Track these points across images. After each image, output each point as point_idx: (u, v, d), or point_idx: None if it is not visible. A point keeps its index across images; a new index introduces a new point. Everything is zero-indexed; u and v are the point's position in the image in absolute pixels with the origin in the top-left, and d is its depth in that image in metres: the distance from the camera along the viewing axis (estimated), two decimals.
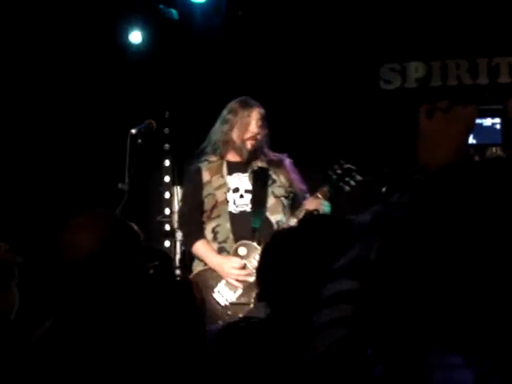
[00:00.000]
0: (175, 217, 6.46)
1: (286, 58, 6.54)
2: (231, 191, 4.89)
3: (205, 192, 4.90)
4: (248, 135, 4.89)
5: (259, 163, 4.93)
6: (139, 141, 4.73)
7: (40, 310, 2.64)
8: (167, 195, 6.65)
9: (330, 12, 6.41)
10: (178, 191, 6.44)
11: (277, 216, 4.83)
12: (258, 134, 4.90)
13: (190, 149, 6.80)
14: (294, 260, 2.55)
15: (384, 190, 4.45)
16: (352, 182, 4.81)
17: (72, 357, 2.04)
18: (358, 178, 4.80)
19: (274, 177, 4.92)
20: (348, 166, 4.82)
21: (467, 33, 6.22)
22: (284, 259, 2.58)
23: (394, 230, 1.63)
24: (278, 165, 4.98)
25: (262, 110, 4.95)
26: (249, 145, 4.90)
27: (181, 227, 5.32)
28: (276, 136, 6.51)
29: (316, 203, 4.70)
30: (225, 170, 4.94)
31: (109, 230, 2.19)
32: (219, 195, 4.87)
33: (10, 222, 5.73)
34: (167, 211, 6.62)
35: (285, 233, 2.85)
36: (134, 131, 4.75)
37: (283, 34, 6.52)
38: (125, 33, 6.52)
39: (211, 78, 6.70)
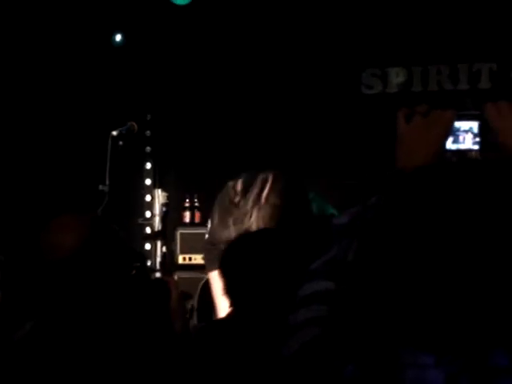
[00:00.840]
0: (156, 219, 6.48)
1: (267, 62, 6.54)
2: None
3: None
4: None
5: None
6: (120, 143, 4.72)
7: (23, 310, 2.64)
8: (148, 198, 6.65)
9: (311, 17, 6.42)
10: (158, 194, 6.45)
11: None
12: None
13: (170, 152, 6.86)
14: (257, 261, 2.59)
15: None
16: None
17: (55, 356, 2.06)
18: None
19: None
20: None
21: (448, 38, 6.25)
22: (248, 259, 2.63)
23: (369, 231, 1.64)
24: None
25: None
26: None
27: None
28: (258, 143, 6.58)
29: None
30: None
31: (90, 230, 2.22)
32: None
33: None
34: (148, 214, 6.63)
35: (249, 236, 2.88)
36: (115, 133, 4.74)
37: (265, 39, 6.53)
38: (107, 34, 6.50)
39: (193, 81, 6.71)
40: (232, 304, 2.66)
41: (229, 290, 2.68)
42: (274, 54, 6.55)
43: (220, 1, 6.43)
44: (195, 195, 6.52)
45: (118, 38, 6.54)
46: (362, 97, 6.58)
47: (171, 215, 6.18)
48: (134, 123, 4.90)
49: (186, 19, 6.48)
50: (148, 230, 6.49)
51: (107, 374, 2.08)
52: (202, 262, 5.92)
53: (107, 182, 4.76)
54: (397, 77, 6.58)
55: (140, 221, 6.54)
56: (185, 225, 6.43)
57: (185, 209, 6.49)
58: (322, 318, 1.60)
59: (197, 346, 2.51)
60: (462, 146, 1.98)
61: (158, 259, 5.99)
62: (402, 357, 1.43)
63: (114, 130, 4.79)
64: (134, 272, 2.52)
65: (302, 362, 1.54)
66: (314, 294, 1.67)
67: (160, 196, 6.41)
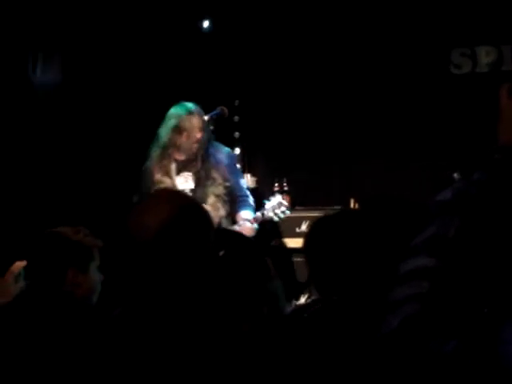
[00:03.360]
0: None
1: (355, 45, 6.53)
2: None
3: None
4: (193, 140, 5.01)
5: (201, 163, 5.09)
6: (211, 128, 4.78)
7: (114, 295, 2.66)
8: None
9: None
10: (248, 179, 6.49)
11: (218, 212, 5.06)
12: (201, 138, 5.03)
13: (259, 137, 6.89)
14: (346, 245, 2.54)
15: (455, 175, 4.59)
16: (281, 215, 5.23)
17: (144, 342, 2.05)
18: (287, 213, 5.28)
19: (215, 175, 5.08)
20: (281, 201, 5.24)
21: None
22: (335, 244, 2.57)
23: (473, 207, 1.63)
24: (218, 162, 5.14)
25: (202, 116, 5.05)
26: (194, 148, 5.02)
27: None
28: (346, 127, 6.57)
29: (247, 230, 5.00)
30: (173, 170, 5.03)
31: (177, 210, 2.18)
32: None
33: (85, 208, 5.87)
34: None
35: (330, 218, 2.81)
36: (206, 118, 4.80)
37: (351, 22, 6.51)
38: (197, 21, 6.56)
39: (281, 66, 6.73)
40: (322, 290, 2.61)
41: (318, 277, 2.63)
42: (362, 36, 6.52)
43: None
44: (284, 179, 6.53)
45: (206, 24, 6.59)
46: (452, 77, 6.49)
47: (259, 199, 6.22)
48: (225, 108, 4.94)
49: (275, 5, 6.50)
50: None
51: (195, 360, 2.04)
52: (292, 245, 5.98)
53: (199, 167, 4.84)
54: (486, 56, 6.46)
55: None
56: None
57: (274, 193, 6.51)
58: (423, 294, 1.59)
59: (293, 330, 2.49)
60: None
61: None
62: (504, 333, 1.42)
63: (205, 115, 4.85)
64: (222, 253, 2.52)
65: (402, 338, 1.54)
66: (415, 270, 1.66)
67: (249, 181, 6.45)
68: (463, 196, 1.70)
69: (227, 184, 5.10)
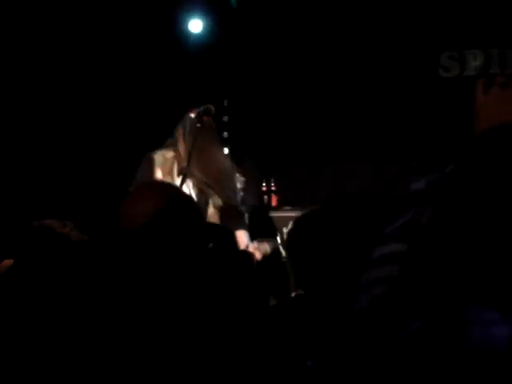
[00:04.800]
0: None
1: (342, 46, 6.56)
2: None
3: None
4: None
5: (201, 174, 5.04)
6: (198, 125, 4.77)
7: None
8: None
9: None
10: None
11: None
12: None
13: (247, 137, 6.91)
14: (326, 240, 2.57)
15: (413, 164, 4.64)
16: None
17: (132, 334, 2.06)
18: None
19: (215, 186, 5.08)
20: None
21: None
22: (316, 242, 2.60)
23: (445, 196, 1.66)
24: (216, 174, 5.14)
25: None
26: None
27: None
28: (333, 128, 6.59)
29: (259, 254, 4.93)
30: (175, 171, 5.02)
31: (165, 201, 2.19)
32: None
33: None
34: None
35: (312, 214, 2.85)
36: (193, 114, 4.80)
37: (341, 20, 6.54)
38: (184, 22, 6.58)
39: (269, 66, 6.75)
40: (301, 284, 2.65)
41: (299, 273, 2.66)
42: (349, 38, 6.55)
43: None
44: (272, 179, 6.56)
45: (197, 25, 6.60)
46: (440, 80, 6.53)
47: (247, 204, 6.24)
48: (211, 105, 4.92)
49: (265, 5, 6.52)
50: None
51: (184, 350, 2.05)
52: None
53: (185, 165, 4.83)
54: (474, 59, 6.50)
55: None
56: None
57: (262, 193, 6.54)
58: (393, 277, 1.63)
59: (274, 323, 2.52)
60: None
61: None
62: (468, 314, 1.45)
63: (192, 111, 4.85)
64: (211, 245, 2.53)
65: (370, 317, 1.57)
66: (387, 255, 1.70)
67: (238, 181, 6.46)
68: (436, 186, 1.73)
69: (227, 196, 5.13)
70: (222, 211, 5.06)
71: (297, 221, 2.81)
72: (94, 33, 6.48)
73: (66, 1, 6.31)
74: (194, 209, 2.29)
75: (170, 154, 5.02)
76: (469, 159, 1.62)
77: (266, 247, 5.04)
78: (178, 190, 2.63)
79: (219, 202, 5.06)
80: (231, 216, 5.09)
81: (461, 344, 1.44)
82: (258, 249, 4.94)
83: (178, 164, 5.01)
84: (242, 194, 5.77)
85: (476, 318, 1.45)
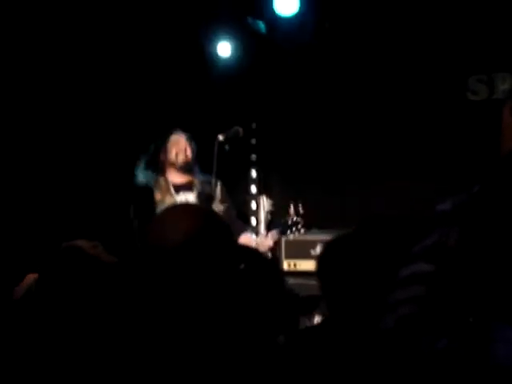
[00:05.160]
0: (261, 226, 6.54)
1: (370, 68, 6.57)
2: None
3: (158, 210, 5.08)
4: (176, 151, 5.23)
5: (199, 182, 5.26)
6: (226, 147, 4.80)
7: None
8: (254, 205, 6.72)
9: (417, 23, 6.41)
10: (264, 201, 6.51)
11: None
12: (186, 149, 5.25)
13: (275, 159, 6.93)
14: (357, 265, 2.57)
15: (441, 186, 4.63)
16: (296, 233, 5.39)
17: (165, 355, 2.06)
18: (302, 231, 5.43)
19: (213, 195, 5.25)
20: (297, 219, 5.42)
21: None
22: (347, 265, 2.61)
23: (471, 218, 1.66)
24: (212, 184, 5.29)
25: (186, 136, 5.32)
26: (180, 160, 5.22)
27: None
28: (362, 150, 6.60)
29: (247, 239, 5.24)
30: (172, 189, 5.14)
31: (198, 221, 2.19)
32: None
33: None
34: (253, 221, 6.68)
35: (342, 239, 2.86)
36: (221, 137, 4.84)
37: (370, 46, 6.55)
38: (213, 45, 6.63)
39: (298, 91, 6.78)
40: (331, 308, 2.66)
41: (328, 294, 2.67)
42: (378, 61, 6.56)
43: (322, 9, 6.47)
44: (299, 201, 6.55)
45: (225, 48, 6.64)
46: (468, 103, 6.51)
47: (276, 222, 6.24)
48: (240, 128, 4.96)
49: (291, 29, 6.55)
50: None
51: (214, 370, 2.05)
52: (306, 268, 5.99)
53: (213, 185, 4.87)
54: (503, 83, 6.48)
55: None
56: None
57: (290, 215, 6.52)
58: (419, 297, 1.64)
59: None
60: None
61: None
62: (494, 332, 1.45)
63: (221, 134, 4.89)
64: (242, 266, 2.53)
65: (396, 336, 1.58)
66: (413, 275, 1.70)
67: (265, 203, 6.46)
68: (462, 207, 1.73)
69: (226, 204, 5.17)
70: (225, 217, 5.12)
71: (327, 246, 2.84)
72: (124, 56, 6.54)
73: (103, 27, 6.35)
74: (226, 229, 2.28)
75: (159, 177, 5.19)
76: (494, 180, 1.62)
77: (274, 234, 5.31)
78: (210, 210, 2.64)
79: (220, 207, 5.12)
80: (232, 220, 5.19)
81: (486, 361, 1.45)
82: (268, 239, 5.26)
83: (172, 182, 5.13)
84: (269, 216, 5.78)
85: (501, 336, 1.45)
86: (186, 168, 5.24)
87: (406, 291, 1.67)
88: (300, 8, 6.32)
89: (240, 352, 2.13)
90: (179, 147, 5.30)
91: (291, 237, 5.37)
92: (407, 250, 1.84)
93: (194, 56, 6.64)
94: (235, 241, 2.37)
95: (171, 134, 5.38)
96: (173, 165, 5.27)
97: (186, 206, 2.40)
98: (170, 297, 2.14)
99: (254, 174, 6.79)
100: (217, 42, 6.65)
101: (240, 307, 2.31)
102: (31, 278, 3.10)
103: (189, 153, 5.32)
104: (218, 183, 5.27)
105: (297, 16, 6.44)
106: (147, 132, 6.57)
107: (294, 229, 5.38)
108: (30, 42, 6.13)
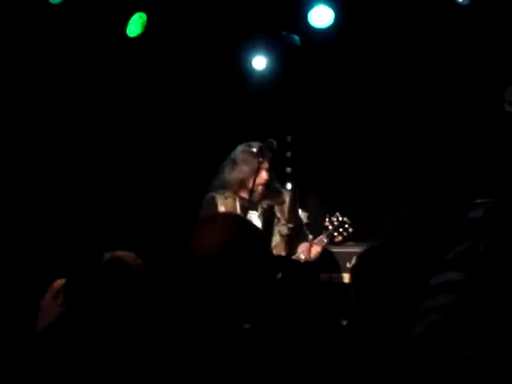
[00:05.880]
0: None
1: (405, 80, 6.55)
2: None
3: None
4: (259, 181, 5.09)
5: (267, 201, 5.17)
6: (260, 159, 4.82)
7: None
8: None
9: (453, 33, 6.39)
10: (300, 214, 6.51)
11: (281, 252, 5.12)
12: (268, 179, 5.12)
13: (311, 172, 6.93)
14: (389, 274, 2.59)
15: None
16: (345, 234, 5.32)
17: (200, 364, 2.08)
18: (351, 230, 5.32)
19: (279, 215, 5.17)
20: (343, 218, 5.34)
21: None
22: (379, 274, 2.62)
23: (502, 225, 1.65)
24: (281, 201, 5.24)
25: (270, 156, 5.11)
26: (259, 189, 5.10)
27: None
28: (397, 163, 6.57)
29: (308, 250, 5.17)
30: (238, 206, 5.06)
31: (234, 232, 2.23)
32: None
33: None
34: None
35: (373, 249, 2.88)
36: (255, 149, 4.86)
37: (405, 59, 6.53)
38: (248, 59, 6.65)
39: (334, 104, 6.78)
40: (366, 317, 2.67)
41: (363, 304, 2.69)
42: (412, 74, 6.54)
43: (357, 22, 6.47)
44: (336, 214, 6.53)
45: (260, 62, 6.65)
46: (505, 114, 6.46)
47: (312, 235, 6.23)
48: (273, 140, 4.97)
49: (325, 41, 6.56)
50: None
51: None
52: (344, 280, 5.97)
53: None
54: None
55: None
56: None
57: (326, 228, 6.51)
58: (449, 305, 1.63)
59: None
60: None
61: None
62: None
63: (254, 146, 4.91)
64: (279, 276, 2.55)
65: (425, 344, 1.57)
66: (444, 283, 1.70)
67: (301, 216, 6.46)
68: (493, 214, 1.72)
69: (290, 225, 5.15)
70: (289, 238, 5.10)
71: (360, 256, 2.88)
72: (161, 70, 6.59)
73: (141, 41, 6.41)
74: (262, 240, 2.32)
75: (228, 193, 5.10)
76: None
77: (323, 240, 5.26)
78: (246, 220, 2.66)
79: (285, 230, 5.10)
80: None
81: None
82: (317, 244, 5.20)
83: (240, 199, 5.07)
84: (305, 229, 5.77)
85: None
86: (261, 195, 5.24)
87: (436, 299, 1.67)
88: (335, 20, 6.33)
89: (271, 356, 2.15)
90: (258, 174, 5.19)
91: (340, 239, 5.31)
92: (438, 257, 1.83)
93: (230, 69, 6.67)
94: (270, 250, 2.39)
95: (255, 154, 5.22)
96: (245, 188, 5.25)
97: (219, 216, 2.41)
98: (204, 307, 2.18)
99: (289, 187, 6.79)
100: (252, 56, 6.67)
101: (276, 315, 2.33)
102: (60, 283, 3.09)
103: (266, 182, 5.25)
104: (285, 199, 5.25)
105: (332, 27, 6.44)
106: (185, 145, 6.65)
107: (341, 230, 5.32)
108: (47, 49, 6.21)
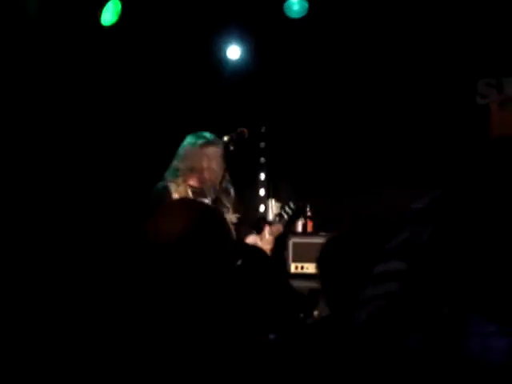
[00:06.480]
0: None
1: (381, 72, 6.57)
2: None
3: None
4: (209, 170, 5.12)
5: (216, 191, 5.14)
6: (231, 148, 4.82)
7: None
8: (262, 208, 6.74)
9: (426, 26, 6.40)
10: (272, 204, 6.53)
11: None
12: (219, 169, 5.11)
13: (284, 163, 6.94)
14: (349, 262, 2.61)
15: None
16: (289, 211, 5.58)
17: (157, 349, 2.07)
18: (292, 206, 5.58)
19: (227, 205, 5.16)
20: (294, 206, 5.56)
21: None
22: (341, 262, 2.65)
23: (446, 216, 1.67)
24: (227, 193, 5.21)
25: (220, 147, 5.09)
26: (212, 179, 5.11)
27: None
28: (370, 154, 6.59)
29: (254, 239, 5.27)
30: (190, 194, 5.09)
31: (197, 217, 2.21)
32: None
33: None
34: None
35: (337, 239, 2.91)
36: (226, 139, 4.85)
37: (376, 49, 6.55)
38: (222, 48, 6.64)
39: (308, 94, 6.78)
40: (332, 306, 2.69)
41: (326, 290, 2.71)
42: (387, 66, 6.56)
43: (331, 13, 6.48)
44: (308, 205, 6.57)
45: (234, 51, 6.65)
46: (477, 107, 6.48)
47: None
48: (245, 129, 4.95)
49: (300, 32, 6.56)
50: None
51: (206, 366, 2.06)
52: (314, 270, 5.99)
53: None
54: None
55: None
56: (297, 234, 6.48)
57: (297, 218, 6.54)
58: (391, 293, 1.64)
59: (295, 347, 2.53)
60: None
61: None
62: (469, 326, 1.45)
63: (226, 135, 4.90)
64: (239, 263, 2.54)
65: (369, 331, 1.58)
66: (386, 272, 1.71)
67: (273, 206, 6.49)
68: (438, 205, 1.74)
69: (238, 215, 5.19)
70: (237, 228, 5.14)
71: (325, 245, 2.89)
72: (132, 58, 6.57)
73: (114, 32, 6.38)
74: (225, 225, 2.30)
75: (179, 181, 5.11)
76: (466, 176, 1.63)
77: (279, 228, 5.38)
78: (209, 206, 2.65)
79: (234, 219, 5.13)
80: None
81: (460, 355, 1.45)
82: (272, 232, 5.30)
83: (191, 187, 5.11)
84: (277, 219, 5.79)
85: (477, 330, 1.45)
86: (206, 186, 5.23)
87: (379, 287, 1.68)
88: (308, 12, 6.33)
89: (234, 347, 2.13)
90: (209, 164, 5.20)
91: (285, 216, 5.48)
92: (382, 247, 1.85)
93: (204, 59, 6.66)
94: (233, 235, 2.38)
95: (206, 143, 5.25)
96: (196, 178, 5.23)
97: (181, 201, 2.40)
98: (166, 293, 2.16)
99: (262, 177, 6.80)
100: (227, 46, 6.67)
101: (236, 302, 2.32)
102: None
103: (217, 171, 5.22)
104: (231, 190, 5.27)
105: (304, 19, 6.44)
106: (157, 135, 6.63)
107: (286, 209, 5.52)
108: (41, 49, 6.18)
